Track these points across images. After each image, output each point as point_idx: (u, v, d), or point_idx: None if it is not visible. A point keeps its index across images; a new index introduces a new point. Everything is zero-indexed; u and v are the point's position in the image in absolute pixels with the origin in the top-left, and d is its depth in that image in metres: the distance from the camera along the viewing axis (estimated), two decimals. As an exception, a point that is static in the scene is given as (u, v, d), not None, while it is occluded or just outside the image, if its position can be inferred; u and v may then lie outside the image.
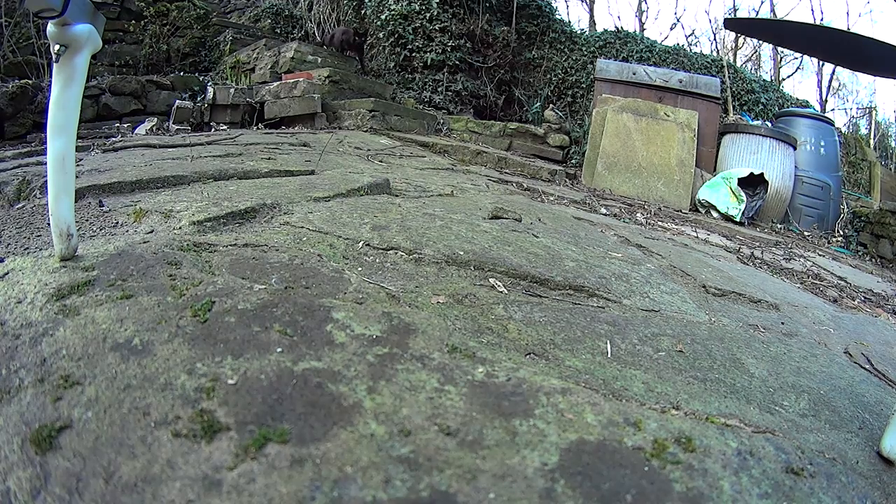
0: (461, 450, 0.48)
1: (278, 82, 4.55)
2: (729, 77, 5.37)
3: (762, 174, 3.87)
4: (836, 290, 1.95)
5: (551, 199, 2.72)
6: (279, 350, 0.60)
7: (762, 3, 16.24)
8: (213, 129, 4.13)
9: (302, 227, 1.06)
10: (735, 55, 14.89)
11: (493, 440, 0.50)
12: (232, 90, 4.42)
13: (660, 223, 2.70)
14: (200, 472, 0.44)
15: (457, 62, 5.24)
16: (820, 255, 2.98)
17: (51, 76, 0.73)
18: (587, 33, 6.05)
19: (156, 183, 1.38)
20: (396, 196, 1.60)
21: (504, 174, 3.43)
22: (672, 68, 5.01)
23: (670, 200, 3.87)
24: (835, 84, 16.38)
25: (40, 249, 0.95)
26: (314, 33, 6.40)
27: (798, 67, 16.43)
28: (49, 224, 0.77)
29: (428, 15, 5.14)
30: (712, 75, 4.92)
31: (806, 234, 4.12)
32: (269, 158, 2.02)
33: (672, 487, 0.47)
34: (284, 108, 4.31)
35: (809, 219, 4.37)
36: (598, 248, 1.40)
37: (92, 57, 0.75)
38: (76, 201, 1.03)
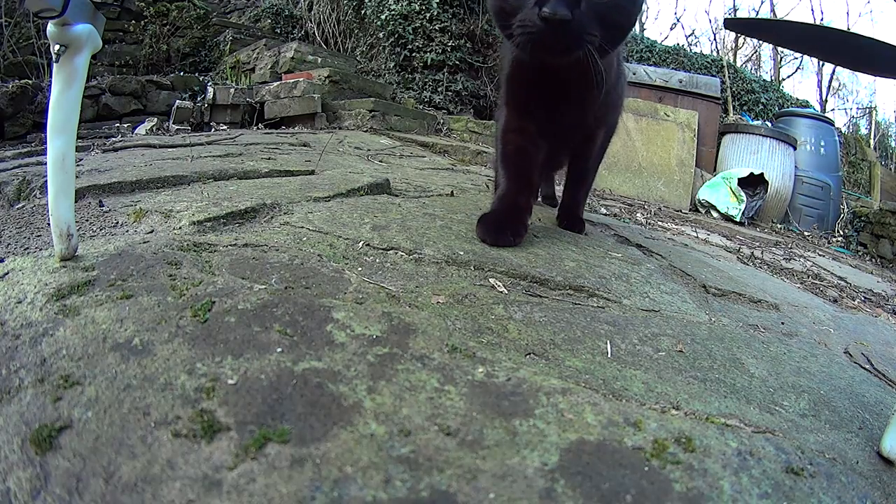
0: (461, 450, 0.48)
1: (278, 82, 4.55)
2: (729, 77, 5.37)
3: (762, 174, 3.87)
4: (836, 290, 1.95)
5: (551, 199, 2.72)
6: (279, 350, 0.60)
7: (762, 3, 16.26)
8: (213, 129, 4.13)
9: (302, 227, 1.06)
10: (735, 55, 14.89)
11: (493, 440, 0.50)
12: (232, 90, 4.42)
13: (660, 223, 2.70)
14: (200, 472, 0.44)
15: (457, 62, 5.24)
16: (820, 255, 2.98)
17: (51, 76, 0.73)
18: (587, 33, 6.03)
19: (156, 183, 1.38)
20: (396, 196, 1.59)
21: (504, 174, 3.42)
22: (672, 68, 5.01)
23: (670, 200, 3.87)
24: (835, 84, 16.41)
25: (40, 249, 0.95)
26: (314, 33, 6.40)
27: (798, 67, 16.45)
28: (49, 224, 0.77)
29: (428, 15, 5.14)
30: (712, 75, 4.92)
31: (806, 234, 4.12)
32: (269, 158, 2.02)
33: (672, 487, 0.47)
34: (284, 108, 4.31)
35: (809, 219, 4.37)
36: (597, 247, 1.40)
37: (92, 57, 0.75)
38: (76, 201, 1.03)
